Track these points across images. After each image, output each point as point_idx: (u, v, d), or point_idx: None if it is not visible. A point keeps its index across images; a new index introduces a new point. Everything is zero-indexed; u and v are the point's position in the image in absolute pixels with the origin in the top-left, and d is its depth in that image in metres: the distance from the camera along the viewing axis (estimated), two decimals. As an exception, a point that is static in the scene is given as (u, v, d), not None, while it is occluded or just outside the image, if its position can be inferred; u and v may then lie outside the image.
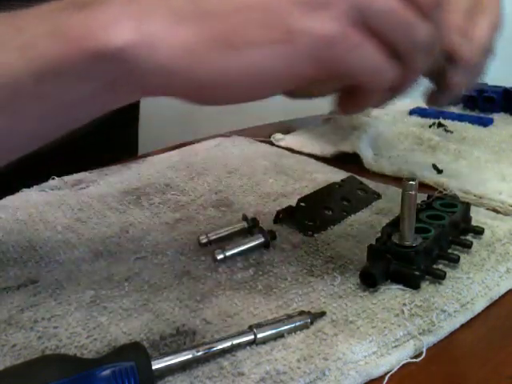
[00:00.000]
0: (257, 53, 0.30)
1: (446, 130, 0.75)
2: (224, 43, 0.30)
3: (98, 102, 0.33)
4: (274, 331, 0.36)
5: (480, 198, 0.55)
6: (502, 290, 0.42)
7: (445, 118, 0.78)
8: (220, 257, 0.45)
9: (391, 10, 0.31)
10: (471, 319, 0.39)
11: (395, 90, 0.36)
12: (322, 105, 0.82)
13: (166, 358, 0.33)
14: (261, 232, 0.47)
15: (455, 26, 0.43)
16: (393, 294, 0.40)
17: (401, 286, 0.41)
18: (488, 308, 0.41)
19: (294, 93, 0.37)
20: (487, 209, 0.54)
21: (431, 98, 0.46)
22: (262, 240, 0.47)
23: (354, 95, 0.36)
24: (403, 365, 0.35)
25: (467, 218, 0.49)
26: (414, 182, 0.40)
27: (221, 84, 0.31)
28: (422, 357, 0.36)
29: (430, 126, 0.76)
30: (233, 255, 0.45)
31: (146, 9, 0.30)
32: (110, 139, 0.75)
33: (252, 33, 0.30)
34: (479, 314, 0.40)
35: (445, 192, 0.56)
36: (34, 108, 0.32)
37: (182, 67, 0.30)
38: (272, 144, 0.72)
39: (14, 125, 0.32)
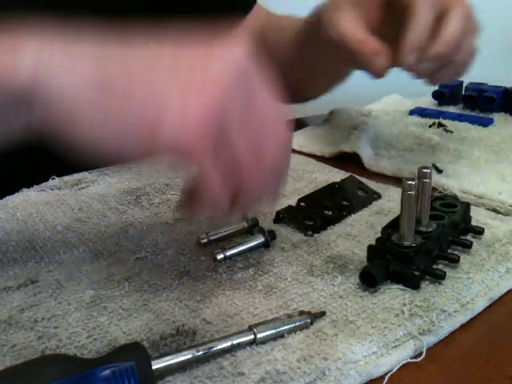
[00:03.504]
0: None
1: (446, 130, 0.75)
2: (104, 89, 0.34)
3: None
4: (273, 331, 0.36)
5: (480, 198, 0.55)
6: (502, 289, 0.42)
7: (445, 118, 0.78)
8: (220, 257, 0.45)
9: None
10: (471, 319, 0.39)
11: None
12: (322, 105, 0.82)
13: (166, 358, 0.33)
14: (261, 232, 0.47)
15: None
16: (393, 294, 0.40)
17: (401, 286, 0.41)
18: (488, 308, 0.41)
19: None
20: (487, 209, 0.54)
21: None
22: (261, 240, 0.47)
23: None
24: (403, 365, 0.35)
25: (467, 218, 0.49)
26: (413, 182, 0.40)
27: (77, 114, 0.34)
28: (422, 357, 0.36)
29: (430, 126, 0.76)
30: (233, 255, 0.45)
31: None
32: None
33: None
34: (479, 314, 0.40)
35: (445, 192, 0.56)
36: None
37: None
38: (272, 144, 0.72)
39: None
